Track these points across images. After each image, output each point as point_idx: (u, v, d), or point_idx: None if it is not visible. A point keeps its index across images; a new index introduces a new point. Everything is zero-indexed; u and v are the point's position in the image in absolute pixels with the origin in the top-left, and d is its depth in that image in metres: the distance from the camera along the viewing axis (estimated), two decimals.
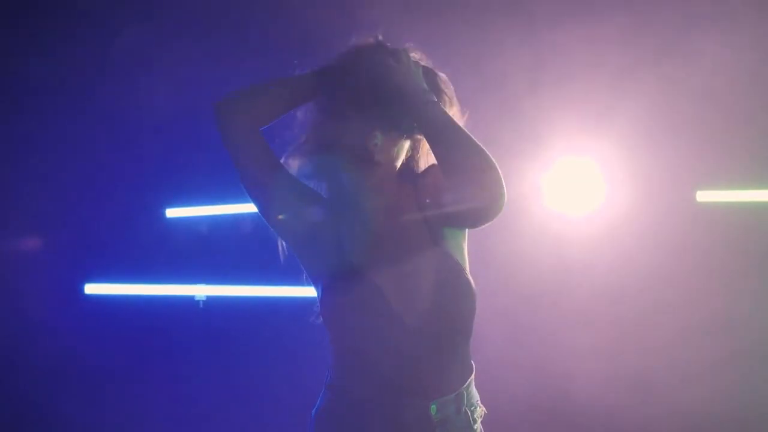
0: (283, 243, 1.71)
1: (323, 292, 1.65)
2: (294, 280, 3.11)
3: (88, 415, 3.30)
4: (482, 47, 3.20)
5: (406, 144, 1.67)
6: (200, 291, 3.29)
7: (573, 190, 3.14)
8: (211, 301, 3.28)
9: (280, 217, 1.64)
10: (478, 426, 1.68)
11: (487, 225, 1.56)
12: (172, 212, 3.35)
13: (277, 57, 3.27)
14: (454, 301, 1.60)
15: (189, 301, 3.30)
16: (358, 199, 1.66)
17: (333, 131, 1.60)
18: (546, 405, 3.08)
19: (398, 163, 1.67)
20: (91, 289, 3.30)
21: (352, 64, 1.59)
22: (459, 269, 1.61)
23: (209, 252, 3.32)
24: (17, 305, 3.30)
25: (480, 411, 1.69)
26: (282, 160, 1.67)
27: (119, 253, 3.34)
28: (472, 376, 1.68)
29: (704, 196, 3.16)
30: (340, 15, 3.22)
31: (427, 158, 1.71)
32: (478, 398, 1.70)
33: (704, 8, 3.09)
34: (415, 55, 1.64)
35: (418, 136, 1.66)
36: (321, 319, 1.67)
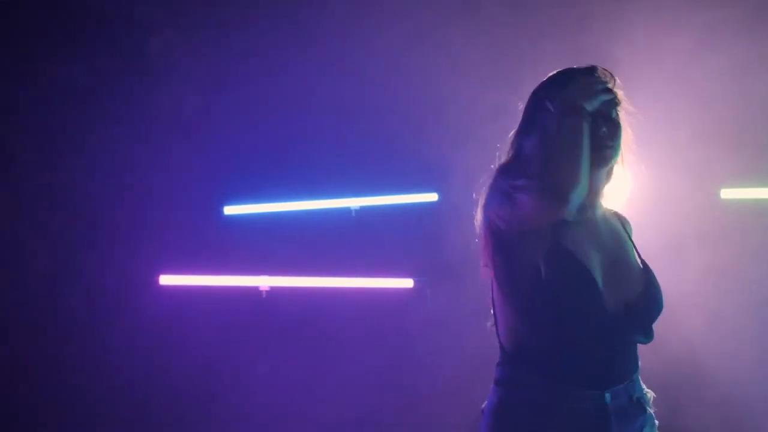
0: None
1: (542, 283, 1.68)
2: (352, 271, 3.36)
3: (163, 398, 3.58)
4: (509, 49, 3.36)
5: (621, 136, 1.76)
6: (264, 282, 3.58)
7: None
8: (274, 292, 3.57)
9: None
10: (650, 411, 1.77)
11: None
12: (229, 209, 3.64)
13: (325, 52, 3.49)
14: (652, 305, 1.76)
15: (253, 291, 3.57)
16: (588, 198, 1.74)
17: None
18: None
19: (617, 157, 1.77)
20: (165, 280, 3.60)
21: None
22: (657, 281, 1.78)
23: (270, 246, 3.59)
24: (100, 296, 3.59)
25: (650, 396, 1.79)
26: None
27: (187, 248, 3.60)
28: (639, 368, 1.79)
29: (728, 193, 3.28)
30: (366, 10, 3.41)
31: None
32: (644, 386, 1.80)
33: (730, 11, 3.21)
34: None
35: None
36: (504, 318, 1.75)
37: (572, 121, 1.66)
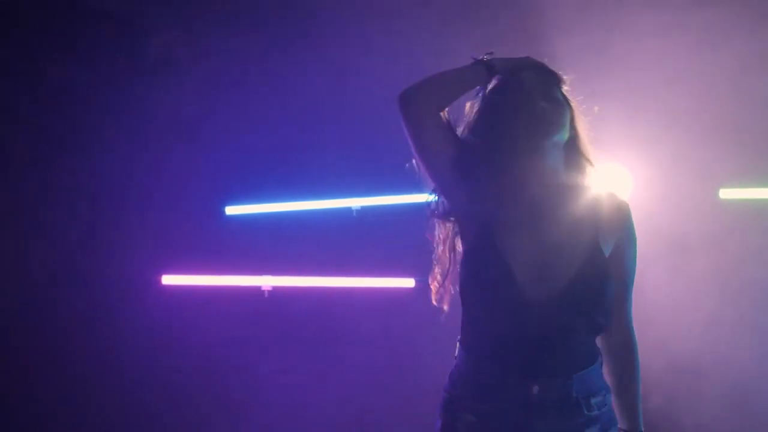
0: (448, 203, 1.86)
1: (464, 255, 1.77)
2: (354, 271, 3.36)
3: (165, 398, 3.58)
4: (509, 50, 3.38)
5: (568, 116, 1.76)
6: (266, 281, 3.59)
7: (600, 188, 3.30)
8: (276, 291, 3.59)
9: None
10: (596, 414, 1.66)
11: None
12: (230, 210, 3.65)
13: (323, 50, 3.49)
14: (585, 297, 1.65)
15: (256, 291, 3.58)
16: (521, 166, 1.73)
17: (510, 105, 1.75)
18: None
19: (564, 136, 1.76)
20: (167, 280, 3.61)
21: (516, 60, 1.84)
22: (605, 269, 1.68)
23: (272, 245, 3.60)
24: (101, 296, 3.59)
25: (602, 400, 1.69)
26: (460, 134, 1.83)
27: (188, 248, 3.61)
28: (594, 366, 1.70)
29: (728, 193, 3.30)
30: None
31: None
32: (607, 388, 1.72)
33: (730, 10, 3.21)
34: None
35: (575, 114, 1.80)
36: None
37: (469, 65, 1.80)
